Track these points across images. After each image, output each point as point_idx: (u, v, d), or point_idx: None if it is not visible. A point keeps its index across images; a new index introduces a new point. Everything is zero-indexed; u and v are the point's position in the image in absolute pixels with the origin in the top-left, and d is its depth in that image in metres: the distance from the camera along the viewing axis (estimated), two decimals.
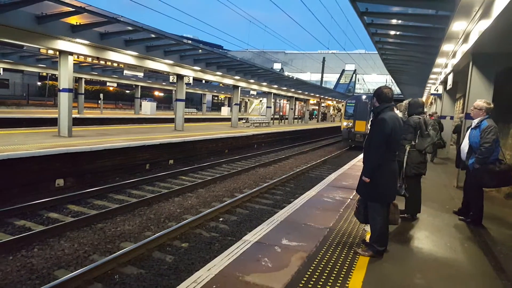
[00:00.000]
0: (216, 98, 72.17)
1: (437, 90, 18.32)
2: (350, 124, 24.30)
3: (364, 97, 24.92)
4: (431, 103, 28.99)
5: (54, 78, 42.98)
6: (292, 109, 39.75)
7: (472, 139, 6.16)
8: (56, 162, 10.41)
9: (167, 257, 6.37)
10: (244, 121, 29.71)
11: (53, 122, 18.26)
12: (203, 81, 39.76)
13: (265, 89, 30.74)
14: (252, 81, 26.32)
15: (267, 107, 33.91)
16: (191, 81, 20.46)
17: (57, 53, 13.46)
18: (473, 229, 6.08)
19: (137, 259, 6.22)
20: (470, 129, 6.38)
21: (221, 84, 32.37)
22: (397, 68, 19.97)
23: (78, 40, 12.78)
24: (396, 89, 38.73)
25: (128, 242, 6.94)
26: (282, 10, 18.47)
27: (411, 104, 6.34)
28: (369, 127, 19.16)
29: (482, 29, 6.74)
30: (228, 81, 24.76)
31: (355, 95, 28.40)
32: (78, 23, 12.30)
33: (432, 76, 17.55)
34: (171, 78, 20.50)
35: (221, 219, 8.63)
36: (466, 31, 8.11)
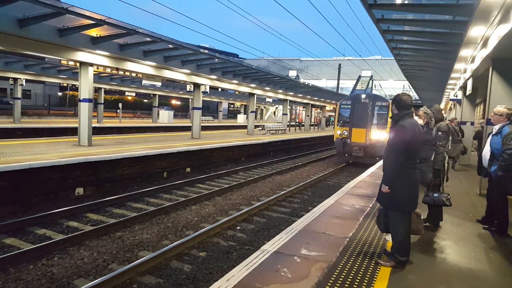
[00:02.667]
0: (232, 105, 72.52)
1: (456, 96, 18.01)
2: (346, 133, 18.50)
3: (363, 96, 18.97)
4: (450, 108, 28.49)
5: (75, 88, 43.96)
6: (308, 115, 39.62)
7: (493, 145, 6.01)
8: (76, 171, 10.57)
9: (185, 266, 6.37)
10: (260, 128, 29.73)
11: (73, 131, 18.63)
12: (219, 89, 40.06)
13: (281, 96, 30.75)
14: (267, 88, 26.37)
15: (283, 114, 33.88)
16: (207, 90, 20.64)
17: (78, 64, 13.76)
18: (498, 238, 5.91)
19: (155, 268, 6.24)
20: (491, 135, 6.23)
21: (237, 92, 32.58)
22: (414, 73, 19.76)
23: (98, 51, 13.05)
24: (414, 95, 38.23)
25: (146, 251, 6.97)
26: (297, 18, 18.50)
27: (437, 111, 6.29)
28: (376, 137, 17.44)
29: (502, 33, 6.61)
30: (244, 89, 24.86)
31: (355, 93, 21.14)
32: (98, 35, 12.56)
33: (450, 81, 17.31)
34: (188, 87, 20.75)
35: (238, 227, 8.61)
36: (485, 36, 7.97)
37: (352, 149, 18.43)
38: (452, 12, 7.88)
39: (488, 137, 6.44)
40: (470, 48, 9.50)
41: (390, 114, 16.67)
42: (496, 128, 6.10)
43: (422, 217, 4.93)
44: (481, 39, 8.17)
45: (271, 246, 4.93)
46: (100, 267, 6.22)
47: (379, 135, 17.74)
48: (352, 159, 18.92)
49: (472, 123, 16.13)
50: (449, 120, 12.78)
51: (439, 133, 6.01)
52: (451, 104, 26.34)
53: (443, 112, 6.75)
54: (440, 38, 10.24)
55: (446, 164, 6.16)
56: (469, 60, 10.89)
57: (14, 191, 9.08)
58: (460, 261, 4.90)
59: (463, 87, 14.95)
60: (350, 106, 18.80)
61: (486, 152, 6.24)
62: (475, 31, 7.68)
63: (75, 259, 6.48)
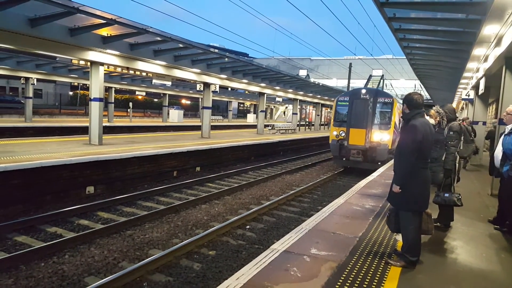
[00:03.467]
0: (242, 105, 72.60)
1: (469, 95, 17.79)
2: (343, 134, 15.99)
3: (363, 91, 16.26)
4: (463, 108, 28.17)
5: (85, 87, 44.40)
6: (318, 115, 39.49)
7: (505, 145, 5.93)
8: (87, 170, 10.67)
9: (194, 265, 6.40)
10: (270, 127, 29.70)
11: (84, 130, 18.80)
12: (229, 89, 40.11)
13: (291, 96, 30.69)
14: (277, 88, 26.33)
15: (293, 113, 33.81)
16: (217, 89, 20.67)
17: (89, 63, 13.87)
18: (509, 239, 5.84)
19: (165, 266, 6.27)
20: (503, 135, 6.15)
21: (247, 92, 32.56)
22: (426, 73, 19.53)
23: (108, 51, 13.14)
24: (425, 95, 37.87)
25: (156, 250, 7.01)
26: (307, 17, 18.47)
27: (450, 110, 6.23)
28: (378, 138, 15.26)
29: None
30: (254, 88, 24.86)
31: (354, 88, 18.51)
32: (109, 35, 12.65)
33: (463, 81, 17.08)
34: (198, 86, 20.78)
35: (248, 226, 8.61)
36: (499, 35, 7.86)
37: (350, 152, 15.81)
38: (465, 10, 7.77)
39: (500, 137, 6.35)
40: (483, 47, 9.37)
41: (395, 113, 15.41)
42: (508, 128, 6.03)
43: (432, 217, 4.89)
44: (495, 37, 8.05)
45: (280, 245, 4.93)
46: (111, 265, 6.27)
47: (382, 136, 15.35)
48: (350, 164, 16.40)
49: (484, 123, 15.92)
50: (461, 119, 12.65)
51: (451, 132, 5.95)
52: (463, 104, 26.04)
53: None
54: (452, 37, 10.12)
55: (457, 164, 6.09)
56: (482, 59, 10.74)
57: (25, 189, 9.19)
58: (471, 261, 4.85)
59: (476, 87, 14.76)
60: (348, 103, 16.22)
61: (498, 152, 6.17)
62: (489, 29, 7.57)
63: (86, 257, 6.54)
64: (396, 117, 15.51)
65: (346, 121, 16.06)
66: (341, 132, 16.06)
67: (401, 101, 17.01)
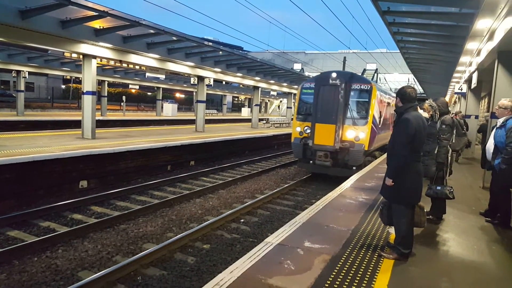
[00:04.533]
0: (236, 99, 72.42)
1: (461, 89, 17.88)
2: (308, 131, 12.80)
3: (333, 75, 12.55)
4: (455, 101, 28.33)
5: (78, 81, 43.96)
6: None
7: (497, 138, 5.97)
8: (80, 164, 10.61)
9: (189, 258, 6.41)
10: (264, 121, 29.69)
11: (77, 124, 18.68)
12: (224, 83, 39.98)
13: (286, 90, 30.67)
14: (272, 81, 26.31)
15: (287, 107, 33.80)
16: (211, 83, 20.60)
17: (81, 56, 13.74)
18: (500, 231, 5.90)
19: (160, 260, 6.28)
20: (495, 128, 6.20)
21: (241, 85, 32.47)
22: (419, 67, 19.59)
23: (101, 43, 13.02)
24: (418, 88, 37.98)
25: (151, 244, 7.01)
26: (302, 11, 18.40)
27: (442, 104, 6.26)
28: (352, 136, 12.07)
29: (508, 26, 6.55)
30: (249, 82, 24.81)
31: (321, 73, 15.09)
32: (101, 27, 12.53)
33: (456, 74, 17.15)
34: (192, 79, 20.70)
35: (242, 220, 8.63)
36: (491, 29, 7.89)
37: (316, 155, 12.49)
38: (458, 5, 7.78)
39: (492, 130, 6.40)
40: (476, 41, 9.41)
41: (374, 103, 12.27)
42: (500, 121, 6.07)
43: (425, 210, 4.93)
44: (487, 32, 8.08)
45: (274, 239, 4.94)
46: (104, 259, 6.27)
47: (356, 134, 12.18)
48: (316, 170, 12.93)
49: (477, 117, 16.04)
50: (453, 113, 12.73)
51: (443, 126, 5.98)
52: (456, 98, 26.19)
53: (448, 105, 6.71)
54: (446, 31, 10.14)
55: (449, 158, 6.14)
56: (475, 53, 10.79)
57: (18, 183, 9.13)
58: (462, 253, 4.90)
59: (468, 81, 14.84)
60: (313, 92, 12.82)
61: (490, 145, 6.21)
62: (482, 23, 7.59)
63: (79, 251, 6.53)
64: (375, 109, 12.43)
65: (311, 114, 12.75)
66: (305, 128, 12.93)
67: (383, 88, 15.05)
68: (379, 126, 13.30)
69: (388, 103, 15.43)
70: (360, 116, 12.36)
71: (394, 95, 14.70)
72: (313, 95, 12.65)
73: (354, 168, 12.02)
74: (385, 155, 11.66)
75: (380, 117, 13.37)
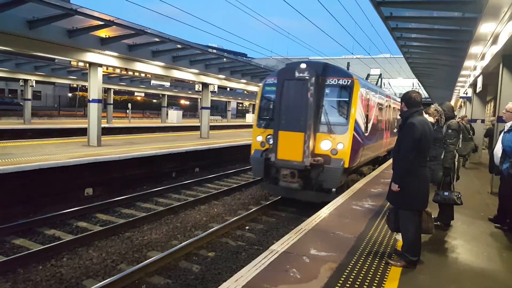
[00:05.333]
0: (241, 105, 72.55)
1: (467, 93, 17.79)
2: (270, 141, 9.71)
3: (302, 66, 9.23)
4: (461, 106, 28.18)
5: (84, 89, 44.30)
6: None
7: (505, 143, 5.91)
8: (86, 171, 10.63)
9: (193, 266, 6.37)
10: None
11: (83, 132, 18.77)
12: (228, 89, 40.08)
13: None
14: None
15: None
16: (216, 89, 20.67)
17: (87, 65, 13.85)
18: (510, 237, 5.81)
19: (164, 268, 6.24)
20: (503, 132, 6.14)
21: (245, 91, 32.51)
22: (423, 71, 19.54)
23: (107, 52, 13.12)
24: (423, 93, 37.85)
25: (155, 251, 6.98)
26: (305, 17, 18.46)
27: (448, 108, 6.21)
28: (327, 147, 8.96)
29: None
30: (253, 88, 24.85)
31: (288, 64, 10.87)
32: (107, 36, 12.63)
33: (460, 78, 17.08)
34: (196, 86, 20.79)
35: (247, 227, 8.59)
36: (495, 33, 7.86)
37: (279, 173, 9.36)
38: (461, 9, 7.76)
39: (499, 134, 6.34)
40: (479, 45, 9.37)
41: (356, 103, 9.32)
42: (508, 125, 6.02)
43: (432, 216, 4.87)
44: (491, 35, 8.04)
45: (280, 246, 4.90)
46: (109, 268, 6.24)
47: (333, 145, 9.13)
48: (282, 194, 10.04)
49: (483, 121, 15.93)
50: (459, 117, 12.66)
51: (449, 131, 5.93)
52: (461, 102, 26.05)
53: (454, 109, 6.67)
54: (449, 35, 10.12)
55: (456, 163, 6.07)
56: (479, 57, 10.75)
57: (24, 191, 9.16)
58: (472, 260, 4.82)
59: (473, 85, 14.77)
60: (277, 89, 9.57)
61: (498, 149, 6.15)
62: (485, 27, 7.56)
63: (84, 259, 6.51)
64: (359, 111, 9.55)
65: (273, 118, 9.62)
66: (268, 137, 9.80)
67: (372, 85, 11.80)
68: (366, 134, 10.23)
69: (380, 104, 12.66)
70: (338, 120, 9.29)
71: (388, 93, 14.19)
72: (276, 94, 9.51)
73: (334, 190, 9.06)
74: (374, 173, 11.49)
75: (367, 122, 10.31)
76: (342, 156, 9.01)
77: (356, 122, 9.27)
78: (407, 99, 4.53)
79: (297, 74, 9.12)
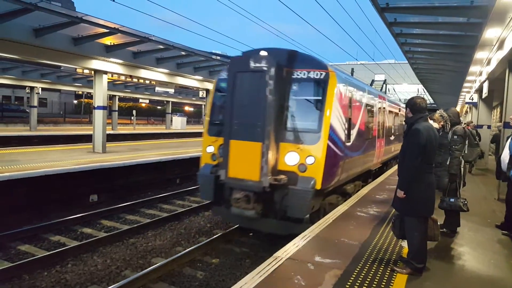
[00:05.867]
0: None
1: (472, 99, 17.71)
2: (220, 154, 7.42)
3: (261, 54, 6.89)
4: (466, 112, 28.05)
5: (90, 96, 44.62)
6: None
7: None
8: (91, 178, 10.66)
9: (198, 273, 6.34)
10: None
11: (88, 138, 18.82)
12: None
13: None
14: None
15: None
16: None
17: (92, 72, 13.95)
18: None
19: (168, 275, 6.22)
20: (510, 138, 6.09)
21: None
22: (428, 77, 19.51)
23: (112, 59, 13.22)
24: (428, 99, 37.73)
25: (160, 258, 6.96)
26: (309, 24, 18.51)
27: (453, 114, 6.18)
28: (294, 161, 6.74)
29: None
30: None
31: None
32: (112, 43, 12.73)
33: (466, 84, 17.03)
34: (200, 93, 20.87)
35: (251, 233, 8.54)
36: (501, 38, 7.84)
37: (231, 196, 7.04)
38: (466, 14, 7.76)
39: (507, 140, 6.29)
40: (485, 50, 9.35)
41: (331, 102, 7.04)
42: None
43: (438, 223, 4.82)
44: (497, 41, 8.02)
45: (284, 253, 4.87)
46: (113, 274, 6.23)
47: (302, 159, 6.88)
48: (237, 222, 7.95)
49: (489, 127, 15.85)
50: (465, 123, 12.59)
51: (455, 137, 5.89)
52: (467, 108, 25.94)
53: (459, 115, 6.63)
54: (454, 40, 10.10)
55: (462, 169, 6.02)
56: (485, 62, 10.71)
57: (29, 198, 9.20)
58: (479, 268, 4.76)
59: (479, 90, 14.71)
60: (229, 88, 7.31)
61: (505, 155, 6.10)
62: (491, 32, 7.55)
63: (89, 265, 6.51)
64: (336, 113, 7.22)
65: (224, 124, 7.25)
66: (219, 147, 7.51)
67: (357, 82, 9.28)
68: (348, 143, 8.00)
69: (371, 106, 10.25)
70: (308, 126, 7.00)
71: (382, 93, 13.04)
72: (227, 90, 7.33)
73: (307, 217, 7.03)
74: (379, 179, 11.24)
75: (349, 128, 8.07)
76: (313, 173, 6.72)
77: (332, 128, 6.97)
78: (412, 105, 4.51)
79: (252, 65, 6.85)
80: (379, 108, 11.50)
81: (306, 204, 6.65)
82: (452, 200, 5.73)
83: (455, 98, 27.15)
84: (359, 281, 4.15)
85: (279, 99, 6.96)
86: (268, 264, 4.49)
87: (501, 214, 6.73)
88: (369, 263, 4.67)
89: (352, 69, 46.56)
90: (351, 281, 4.15)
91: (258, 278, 4.10)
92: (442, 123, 6.11)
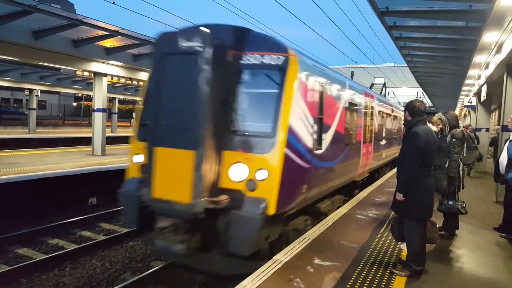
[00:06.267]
0: None
1: (471, 102, 17.77)
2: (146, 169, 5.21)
3: (194, 31, 4.99)
4: (465, 115, 28.12)
5: (89, 98, 44.54)
6: None
7: (510, 152, 5.89)
8: (90, 181, 10.65)
9: (197, 276, 6.33)
10: None
11: (87, 141, 18.81)
12: None
13: None
14: None
15: None
16: None
17: (92, 74, 13.97)
18: None
19: (168, 278, 6.20)
20: (508, 141, 6.11)
21: None
22: (427, 80, 19.56)
23: (112, 62, 13.24)
24: (427, 102, 37.83)
25: (159, 261, 6.95)
26: (308, 27, 18.55)
27: (452, 117, 6.20)
28: (241, 176, 4.79)
29: None
30: None
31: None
32: (112, 46, 12.74)
33: (464, 88, 17.09)
34: None
35: None
36: (499, 42, 7.88)
37: (157, 223, 5.09)
38: (465, 18, 7.80)
39: (505, 143, 6.31)
40: (484, 54, 9.39)
41: (291, 94, 5.21)
42: None
43: (437, 226, 4.83)
44: (495, 44, 8.07)
45: (283, 256, 4.87)
46: (112, 277, 6.23)
47: (251, 173, 4.99)
48: (169, 256, 6.13)
49: (487, 130, 15.88)
50: (463, 126, 12.62)
51: (454, 140, 5.91)
52: (466, 111, 26.00)
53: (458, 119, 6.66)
54: (453, 44, 10.15)
55: (461, 172, 6.04)
56: (483, 66, 10.76)
57: (28, 200, 9.18)
58: (477, 270, 4.77)
59: (478, 93, 14.76)
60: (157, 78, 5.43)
61: (503, 158, 6.11)
62: (489, 36, 7.59)
63: (87, 269, 6.50)
64: (298, 111, 5.44)
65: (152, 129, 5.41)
66: (143, 163, 5.77)
67: (328, 71, 7.12)
68: (319, 150, 6.19)
69: (353, 104, 8.53)
70: (259, 128, 5.26)
71: (368, 90, 11.94)
72: (152, 80, 5.88)
73: (249, 252, 4.91)
74: (378, 182, 11.12)
75: (320, 131, 6.24)
76: (265, 192, 4.92)
77: (292, 131, 5.22)
78: (411, 108, 4.52)
79: (182, 44, 5.00)
80: (366, 107, 9.87)
81: (252, 236, 4.76)
82: (450, 202, 5.75)
83: (454, 101, 27.22)
84: (358, 284, 4.16)
85: (222, 92, 5.15)
86: (268, 267, 4.50)
87: (500, 217, 6.74)
88: (368, 266, 4.68)
89: (352, 72, 46.65)
90: (350, 283, 4.16)
91: (258, 281, 4.11)
92: (440, 126, 6.13)
